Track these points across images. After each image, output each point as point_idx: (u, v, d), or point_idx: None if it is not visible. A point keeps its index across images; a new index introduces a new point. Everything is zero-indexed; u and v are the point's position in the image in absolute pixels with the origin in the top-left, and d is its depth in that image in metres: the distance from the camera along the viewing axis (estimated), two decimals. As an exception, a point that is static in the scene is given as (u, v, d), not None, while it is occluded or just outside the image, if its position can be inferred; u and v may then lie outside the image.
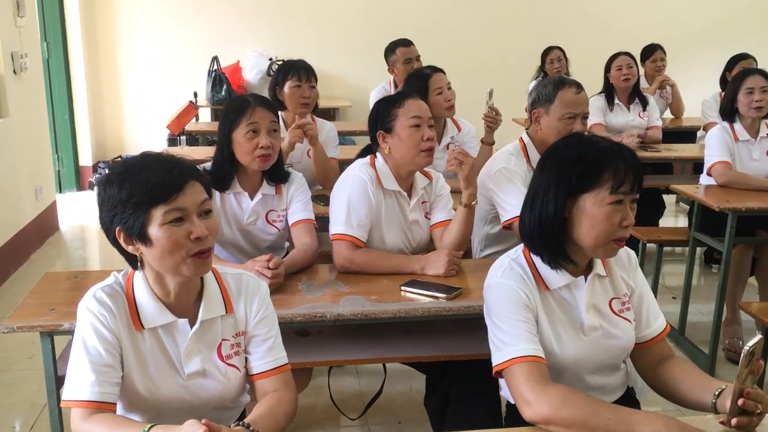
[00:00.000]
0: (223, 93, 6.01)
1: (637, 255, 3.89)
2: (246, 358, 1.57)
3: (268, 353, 1.56)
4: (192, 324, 1.50)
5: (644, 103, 4.84)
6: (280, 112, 3.35)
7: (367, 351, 2.21)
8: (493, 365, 1.58)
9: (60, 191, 6.09)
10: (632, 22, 6.91)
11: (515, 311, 1.58)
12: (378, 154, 2.41)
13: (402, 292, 2.14)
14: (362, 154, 2.48)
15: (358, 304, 2.05)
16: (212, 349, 1.52)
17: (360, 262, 2.28)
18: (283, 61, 6.46)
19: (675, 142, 4.79)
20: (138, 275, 1.48)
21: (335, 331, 2.26)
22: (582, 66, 5.78)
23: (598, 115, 4.78)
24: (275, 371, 1.56)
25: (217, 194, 2.37)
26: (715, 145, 3.56)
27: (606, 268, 1.71)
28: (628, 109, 4.84)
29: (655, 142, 4.62)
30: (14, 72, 4.38)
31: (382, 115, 2.35)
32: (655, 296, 3.80)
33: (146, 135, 6.38)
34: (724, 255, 3.27)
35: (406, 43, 4.64)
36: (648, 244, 3.91)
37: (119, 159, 6.46)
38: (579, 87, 2.64)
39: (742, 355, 1.36)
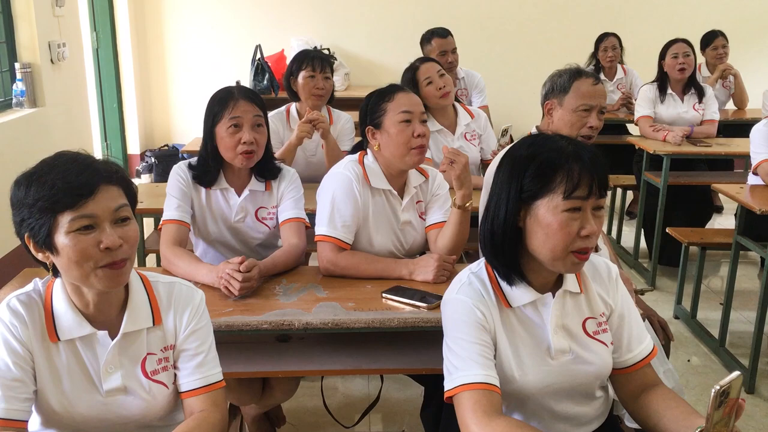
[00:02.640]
0: (265, 82, 5.97)
1: (679, 257, 3.74)
2: (175, 374, 1.47)
3: (196, 370, 1.45)
4: (113, 336, 1.41)
5: (701, 95, 4.50)
6: (294, 104, 3.30)
7: (350, 361, 2.08)
8: (444, 391, 1.44)
9: (108, 179, 6.19)
10: (692, 7, 6.49)
11: (469, 332, 1.43)
12: (368, 150, 2.28)
13: (383, 300, 2.02)
14: (355, 150, 2.35)
15: (331, 312, 1.93)
16: (136, 364, 1.42)
17: (344, 265, 2.16)
18: (328, 49, 6.54)
19: (738, 136, 4.46)
20: (57, 283, 1.39)
21: (319, 337, 2.16)
22: (638, 55, 5.47)
23: (646, 107, 4.50)
24: (204, 390, 1.45)
25: (202, 190, 2.29)
26: (761, 142, 3.27)
27: (581, 284, 1.52)
28: (682, 100, 4.51)
29: (708, 137, 4.30)
30: (51, 62, 4.44)
31: (372, 109, 2.21)
32: (697, 302, 3.65)
33: (193, 123, 6.43)
34: (767, 260, 2.99)
35: (442, 33, 4.45)
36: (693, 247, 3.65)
37: (166, 147, 6.54)
38: (597, 78, 2.44)
39: (712, 394, 1.18)
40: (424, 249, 2.37)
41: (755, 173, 3.32)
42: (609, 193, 4.91)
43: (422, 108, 2.21)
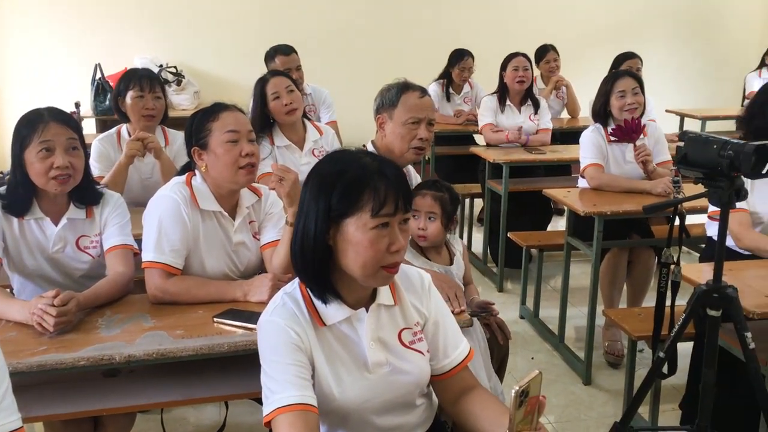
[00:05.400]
0: (107, 102, 5.69)
1: (522, 260, 3.92)
2: None
3: None
4: None
5: (536, 106, 4.77)
6: (125, 125, 3.16)
7: (185, 390, 1.99)
8: (263, 416, 1.40)
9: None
10: (527, 23, 6.90)
11: (284, 354, 1.40)
12: (196, 171, 2.21)
13: (214, 324, 1.95)
14: (183, 171, 2.28)
15: (156, 342, 1.85)
16: None
17: (174, 291, 2.07)
18: (175, 67, 6.35)
19: (572, 143, 4.75)
20: None
21: (151, 368, 2.05)
22: (479, 67, 5.70)
23: (489, 116, 4.71)
24: None
25: (14, 221, 2.13)
26: (588, 148, 3.50)
27: (395, 296, 1.55)
28: (519, 110, 4.76)
29: (542, 145, 4.56)
30: None
31: (197, 129, 2.15)
32: (539, 302, 3.84)
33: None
34: (593, 259, 3.20)
35: (285, 51, 4.41)
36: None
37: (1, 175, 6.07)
38: (423, 91, 2.51)
39: (512, 395, 1.22)
40: (261, 269, 2.32)
41: (583, 176, 3.54)
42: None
43: (249, 126, 2.17)
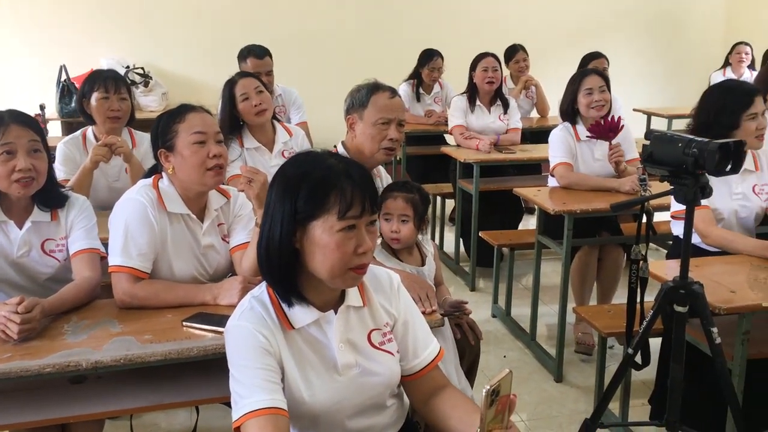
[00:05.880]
0: (73, 104, 5.59)
1: (494, 259, 3.94)
2: None
3: None
4: None
5: (506, 106, 4.80)
6: (91, 127, 3.11)
7: (155, 395, 1.96)
8: (232, 422, 1.39)
9: None
10: (497, 23, 6.94)
11: (253, 358, 1.39)
12: (163, 173, 2.18)
13: (184, 328, 1.93)
14: (149, 173, 2.25)
15: (124, 347, 1.82)
16: None
17: (142, 295, 2.04)
18: (142, 68, 6.27)
19: (542, 142, 4.78)
20: None
21: (119, 374, 2.02)
22: (450, 68, 5.72)
23: (459, 117, 4.72)
24: None
25: (-23, 226, 2.09)
26: (557, 146, 3.53)
27: (363, 298, 1.54)
28: (489, 111, 4.78)
29: (512, 144, 4.59)
30: None
31: (163, 131, 2.12)
32: (510, 300, 3.86)
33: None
34: (563, 257, 3.23)
35: (259, 53, 4.34)
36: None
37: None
38: (393, 92, 2.51)
39: (483, 394, 1.22)
40: (230, 272, 2.30)
41: (553, 175, 3.57)
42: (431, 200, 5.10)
43: (216, 127, 2.15)
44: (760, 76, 3.75)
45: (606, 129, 3.35)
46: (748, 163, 2.74)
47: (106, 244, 2.20)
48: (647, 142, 2.05)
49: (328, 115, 5.92)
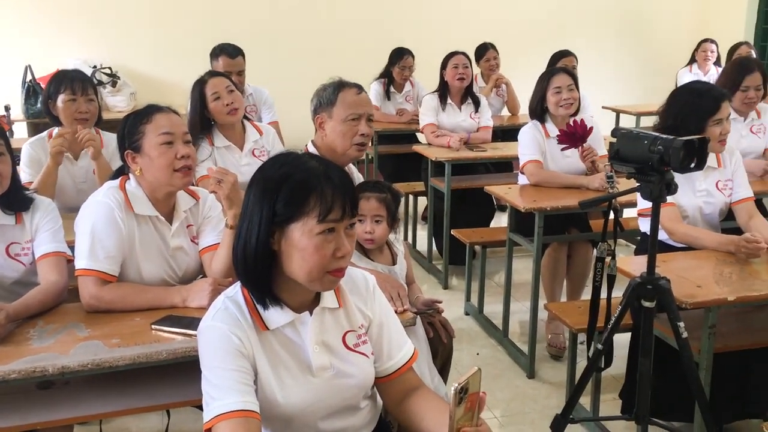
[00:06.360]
0: (38, 105, 5.50)
1: (466, 257, 3.96)
2: None
3: None
4: None
5: (477, 104, 4.82)
6: (57, 129, 3.06)
7: (124, 400, 1.93)
8: (203, 424, 1.38)
9: None
10: (467, 22, 6.97)
11: (225, 360, 1.38)
12: (131, 175, 2.15)
13: (152, 331, 1.91)
14: (116, 175, 2.22)
15: (91, 352, 1.79)
16: None
17: (109, 299, 2.02)
18: (110, 68, 6.19)
19: (513, 140, 4.80)
20: None
21: (88, 379, 1.99)
22: (421, 66, 5.73)
23: (430, 115, 4.73)
24: None
25: (-61, 230, 2.04)
26: (526, 144, 3.55)
27: (339, 299, 1.54)
28: (460, 109, 4.80)
29: (483, 142, 4.61)
30: None
31: (129, 132, 2.09)
32: (483, 298, 3.88)
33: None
34: (534, 254, 3.25)
35: (232, 53, 4.26)
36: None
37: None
38: (360, 88, 2.51)
39: (451, 393, 1.23)
40: (200, 274, 2.28)
41: (523, 173, 3.59)
42: (403, 199, 5.11)
43: (184, 128, 2.13)
44: (724, 72, 3.81)
45: (575, 137, 3.35)
46: (711, 160, 2.79)
47: (72, 247, 2.17)
48: (614, 140, 2.08)
49: (299, 115, 5.93)
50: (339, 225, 1.39)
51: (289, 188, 1.37)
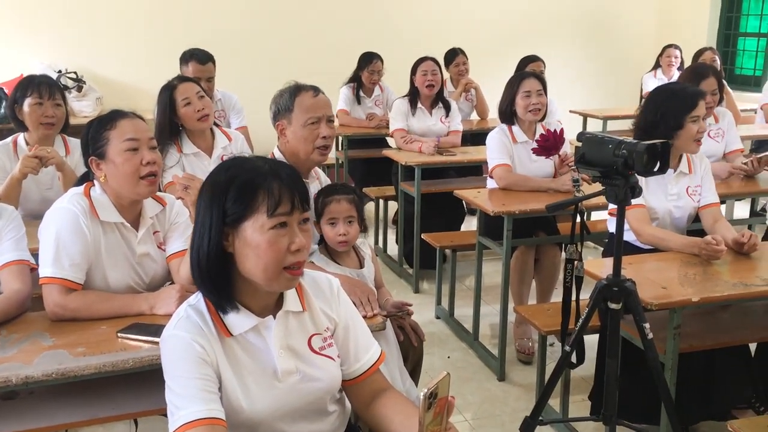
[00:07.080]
0: (2, 110, 5.40)
1: (437, 261, 3.97)
2: None
3: None
4: None
5: (447, 109, 4.84)
6: (22, 134, 3.02)
7: (90, 410, 1.92)
8: None
9: None
10: (436, 28, 7.02)
11: (189, 368, 1.37)
12: (95, 181, 2.12)
13: (119, 339, 1.88)
14: (81, 181, 2.18)
15: (56, 361, 1.76)
16: None
17: (74, 307, 1.98)
18: (75, 73, 6.10)
19: (482, 144, 4.82)
20: None
21: (54, 388, 1.95)
22: (391, 71, 5.73)
23: (400, 120, 4.74)
24: None
25: None
26: (494, 149, 3.58)
27: (303, 302, 1.53)
28: (431, 113, 4.82)
29: (453, 146, 4.63)
30: None
31: (93, 138, 2.06)
32: (454, 301, 3.89)
33: None
34: (503, 257, 3.27)
35: (202, 59, 4.21)
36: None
37: None
38: (316, 90, 2.50)
39: (421, 398, 1.23)
40: (167, 281, 2.26)
41: (491, 177, 3.62)
42: (373, 204, 5.12)
43: (150, 134, 2.10)
44: (680, 78, 3.89)
45: (550, 147, 3.38)
46: (683, 166, 2.87)
47: (36, 255, 2.14)
48: (579, 144, 2.11)
49: (267, 120, 5.90)
50: (290, 219, 1.39)
51: (236, 188, 1.38)
